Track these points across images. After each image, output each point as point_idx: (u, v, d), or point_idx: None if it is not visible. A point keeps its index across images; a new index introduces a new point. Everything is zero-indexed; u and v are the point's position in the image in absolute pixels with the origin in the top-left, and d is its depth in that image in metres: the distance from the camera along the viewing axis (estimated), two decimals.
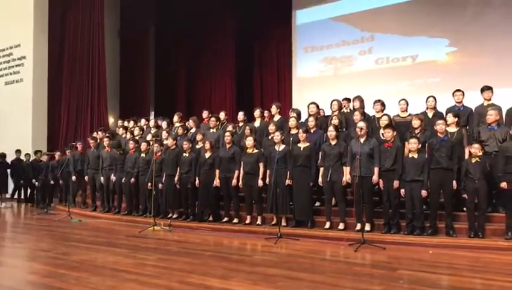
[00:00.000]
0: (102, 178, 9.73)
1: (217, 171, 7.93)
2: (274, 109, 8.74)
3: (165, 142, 8.99)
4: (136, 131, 10.22)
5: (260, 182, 7.51)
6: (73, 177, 10.55)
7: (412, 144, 6.47)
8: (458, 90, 7.54)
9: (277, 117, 8.64)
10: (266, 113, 9.30)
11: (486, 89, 7.31)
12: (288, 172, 7.21)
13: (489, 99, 7.29)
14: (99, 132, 11.32)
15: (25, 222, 9.87)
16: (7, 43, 14.99)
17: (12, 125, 14.38)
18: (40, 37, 14.53)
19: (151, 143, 8.90)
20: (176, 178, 8.39)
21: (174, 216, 8.59)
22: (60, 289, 4.19)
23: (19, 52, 14.75)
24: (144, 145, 9.05)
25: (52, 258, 5.58)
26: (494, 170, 6.28)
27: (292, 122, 7.83)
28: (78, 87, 15.00)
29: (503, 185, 6.06)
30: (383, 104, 7.77)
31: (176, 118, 10.09)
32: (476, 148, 6.22)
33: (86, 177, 10.30)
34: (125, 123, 11.35)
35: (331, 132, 7.09)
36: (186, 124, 9.73)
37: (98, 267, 5.08)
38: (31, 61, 14.41)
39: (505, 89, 8.05)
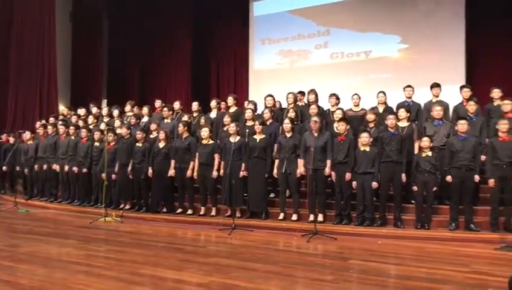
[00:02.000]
0: (57, 166, 9.41)
1: (172, 162, 7.86)
2: (230, 101, 8.74)
3: (118, 131, 8.80)
4: (90, 119, 9.94)
5: (215, 173, 7.51)
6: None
7: (364, 138, 6.64)
8: (409, 86, 7.86)
9: (233, 108, 8.64)
10: (223, 105, 9.26)
11: (435, 86, 7.63)
12: (243, 164, 7.24)
13: (438, 96, 7.61)
14: (52, 119, 10.90)
15: None
16: None
17: None
18: None
19: (104, 132, 8.69)
20: (129, 168, 8.25)
21: (127, 207, 8.46)
22: (7, 282, 4.04)
23: None
24: (97, 134, 8.83)
25: None
26: (440, 163, 6.54)
27: (248, 114, 7.86)
28: (27, 72, 14.34)
29: (449, 178, 6.33)
30: (337, 98, 7.93)
31: (128, 107, 9.89)
32: (425, 141, 6.46)
33: (36, 167, 9.92)
34: (78, 111, 10.98)
35: (287, 125, 7.16)
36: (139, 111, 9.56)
37: (47, 259, 4.94)
38: None
39: (453, 86, 8.35)
